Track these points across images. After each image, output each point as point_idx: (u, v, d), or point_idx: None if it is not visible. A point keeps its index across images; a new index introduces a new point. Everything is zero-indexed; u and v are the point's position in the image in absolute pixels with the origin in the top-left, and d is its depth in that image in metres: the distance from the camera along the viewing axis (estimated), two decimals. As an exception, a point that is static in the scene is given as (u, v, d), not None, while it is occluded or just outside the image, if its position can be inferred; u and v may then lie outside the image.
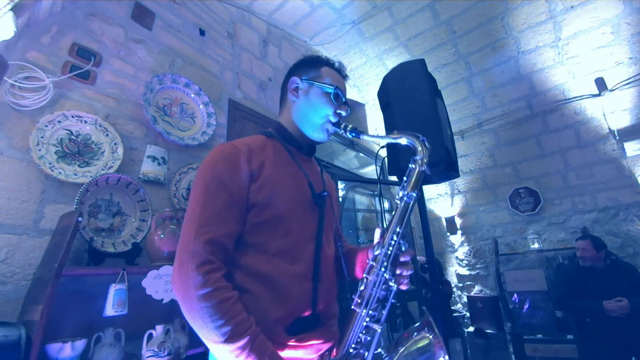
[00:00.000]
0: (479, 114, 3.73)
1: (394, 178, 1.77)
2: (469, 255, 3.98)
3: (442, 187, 4.19)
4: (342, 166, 3.46)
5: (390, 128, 1.58)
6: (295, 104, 0.92)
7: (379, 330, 0.74)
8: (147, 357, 1.24)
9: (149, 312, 1.39)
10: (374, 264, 0.78)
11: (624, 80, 2.94)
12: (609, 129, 3.11)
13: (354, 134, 0.87)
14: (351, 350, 0.72)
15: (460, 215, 4.10)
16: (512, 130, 3.63)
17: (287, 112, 0.93)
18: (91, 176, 1.42)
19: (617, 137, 3.06)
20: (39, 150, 1.33)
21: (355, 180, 3.45)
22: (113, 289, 1.21)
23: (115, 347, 1.22)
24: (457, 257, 4.08)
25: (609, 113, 3.09)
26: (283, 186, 0.80)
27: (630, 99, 2.97)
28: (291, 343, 0.73)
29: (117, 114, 1.65)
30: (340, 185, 3.20)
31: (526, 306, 3.14)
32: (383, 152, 1.57)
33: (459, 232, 4.07)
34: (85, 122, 1.50)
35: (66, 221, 1.21)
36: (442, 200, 4.24)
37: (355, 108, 4.07)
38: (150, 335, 1.29)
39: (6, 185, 1.26)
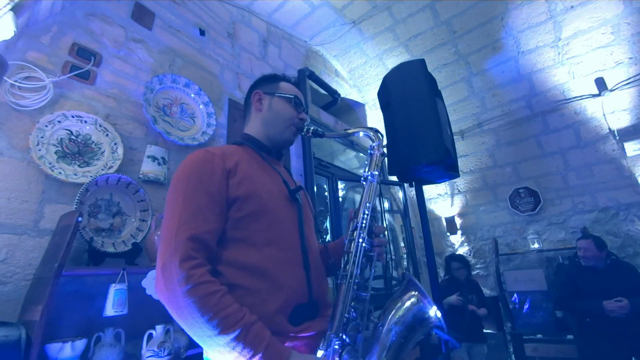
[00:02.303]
0: (479, 114, 3.73)
1: (394, 178, 1.77)
2: (469, 255, 3.98)
3: (442, 187, 4.19)
4: (342, 166, 3.46)
5: (390, 128, 1.58)
6: (260, 114, 1.00)
7: (368, 298, 0.78)
8: (147, 357, 1.24)
9: (149, 312, 1.39)
10: (353, 238, 0.84)
11: (624, 80, 2.94)
12: (609, 129, 3.11)
13: (315, 136, 0.99)
14: (344, 320, 0.73)
15: (460, 215, 4.10)
16: (512, 130, 3.63)
17: (253, 123, 1.01)
18: (91, 176, 1.42)
19: (617, 137, 3.06)
20: (39, 150, 1.34)
21: (356, 180, 3.45)
22: (113, 289, 1.21)
23: (115, 347, 1.22)
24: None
25: (609, 113, 3.09)
26: (260, 181, 0.84)
27: (630, 99, 2.97)
28: (295, 335, 0.73)
29: (117, 114, 1.66)
30: (340, 185, 3.20)
31: (526, 306, 3.14)
32: (383, 152, 1.56)
33: (459, 232, 4.07)
34: (85, 122, 1.50)
35: (66, 221, 1.21)
36: (442, 200, 4.24)
37: (355, 108, 4.07)
38: (150, 335, 1.29)
39: (6, 185, 1.26)
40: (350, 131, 0.98)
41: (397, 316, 0.78)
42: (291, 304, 0.75)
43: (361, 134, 0.98)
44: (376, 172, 0.92)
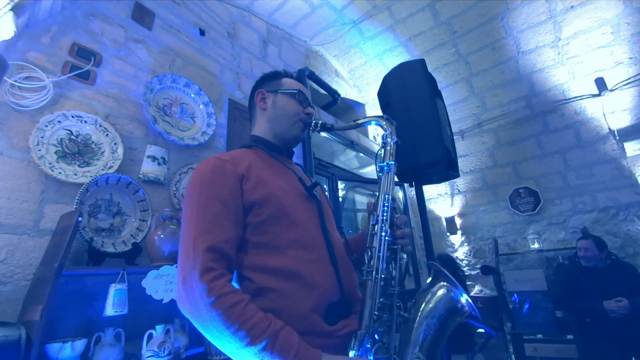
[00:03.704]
0: (479, 114, 3.73)
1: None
2: (469, 255, 3.98)
3: (442, 187, 4.19)
4: (342, 166, 3.46)
5: (390, 128, 1.57)
6: (265, 113, 0.97)
7: (396, 292, 0.76)
8: (147, 357, 1.24)
9: (149, 312, 1.39)
10: (375, 232, 0.82)
11: (624, 80, 2.94)
12: (609, 129, 3.11)
13: (324, 130, 0.95)
14: (374, 317, 0.72)
15: (460, 215, 4.10)
16: (512, 130, 3.63)
17: (259, 123, 0.99)
18: (91, 176, 1.42)
19: (617, 137, 3.06)
20: (39, 150, 1.34)
21: (355, 180, 3.45)
22: (113, 289, 1.21)
23: (115, 347, 1.22)
24: (457, 257, 4.08)
25: (609, 113, 3.09)
26: (275, 183, 0.83)
27: (630, 99, 2.97)
28: (333, 333, 0.72)
29: (117, 114, 1.66)
30: (340, 185, 3.20)
31: (526, 306, 3.14)
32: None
33: (459, 232, 4.07)
34: (85, 122, 1.50)
35: (66, 221, 1.21)
36: (442, 200, 4.24)
37: (355, 108, 4.07)
38: (150, 335, 1.29)
39: (6, 185, 1.26)
40: (360, 121, 0.94)
41: (427, 309, 0.76)
42: (324, 302, 0.74)
43: (373, 123, 0.95)
44: (392, 162, 0.90)
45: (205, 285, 0.62)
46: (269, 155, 0.92)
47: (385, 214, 0.82)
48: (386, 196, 0.84)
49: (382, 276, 0.76)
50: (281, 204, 0.79)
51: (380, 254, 0.78)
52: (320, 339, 0.69)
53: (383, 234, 0.80)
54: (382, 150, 0.92)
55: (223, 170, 0.78)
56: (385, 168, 0.89)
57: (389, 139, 0.92)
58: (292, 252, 0.75)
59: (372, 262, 0.78)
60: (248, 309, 0.63)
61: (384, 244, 0.80)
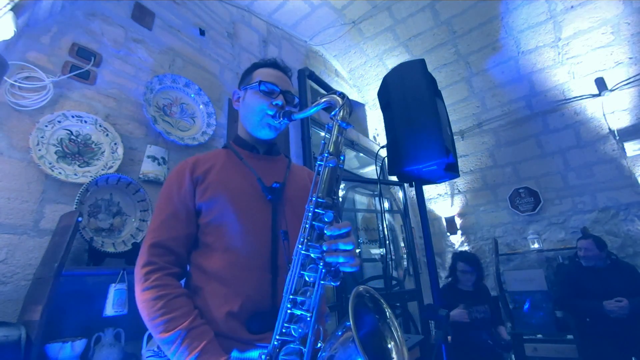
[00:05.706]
0: (479, 114, 3.73)
1: (394, 178, 1.77)
2: (469, 255, 3.98)
3: (442, 187, 4.19)
4: (341, 166, 3.46)
5: (390, 128, 1.58)
6: (239, 112, 0.99)
7: (311, 319, 0.62)
8: (147, 357, 1.24)
9: (149, 312, 1.39)
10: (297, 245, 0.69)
11: (624, 80, 2.94)
12: (609, 129, 3.11)
13: (285, 119, 0.87)
14: (275, 343, 0.63)
15: (460, 215, 4.10)
16: (512, 130, 3.63)
17: (239, 122, 1.00)
18: (91, 176, 1.42)
19: (617, 137, 3.06)
20: (39, 150, 1.34)
21: (355, 180, 3.45)
22: (113, 289, 1.21)
23: (115, 347, 1.22)
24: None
25: (609, 113, 3.09)
26: (229, 185, 0.84)
27: (630, 99, 2.97)
28: (250, 341, 0.71)
29: (117, 114, 1.66)
30: (341, 185, 3.19)
31: (526, 306, 3.14)
32: (383, 152, 1.57)
33: (459, 232, 4.07)
34: (85, 122, 1.50)
35: (66, 221, 1.21)
36: (442, 200, 4.24)
37: (355, 108, 4.07)
38: (150, 335, 1.29)
39: (6, 185, 1.26)
40: (314, 105, 0.80)
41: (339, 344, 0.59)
42: (247, 310, 0.72)
43: (320, 106, 0.80)
44: (327, 154, 0.73)
45: (142, 276, 0.71)
46: (236, 156, 0.92)
47: (307, 222, 0.69)
48: (312, 199, 0.70)
49: (290, 297, 0.65)
50: (227, 207, 0.80)
51: (296, 272, 0.67)
52: (240, 344, 0.70)
53: (300, 245, 0.67)
54: (326, 136, 0.76)
55: (182, 175, 0.84)
56: (319, 161, 0.74)
57: (335, 121, 0.76)
58: (227, 257, 0.77)
59: (290, 276, 0.68)
60: (174, 302, 0.69)
61: (301, 260, 0.67)
